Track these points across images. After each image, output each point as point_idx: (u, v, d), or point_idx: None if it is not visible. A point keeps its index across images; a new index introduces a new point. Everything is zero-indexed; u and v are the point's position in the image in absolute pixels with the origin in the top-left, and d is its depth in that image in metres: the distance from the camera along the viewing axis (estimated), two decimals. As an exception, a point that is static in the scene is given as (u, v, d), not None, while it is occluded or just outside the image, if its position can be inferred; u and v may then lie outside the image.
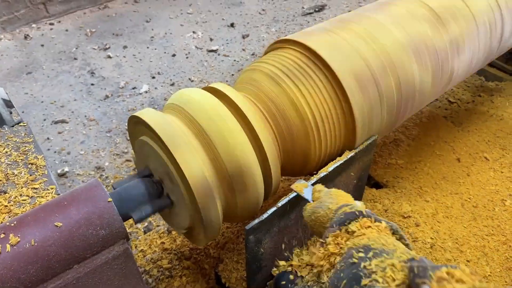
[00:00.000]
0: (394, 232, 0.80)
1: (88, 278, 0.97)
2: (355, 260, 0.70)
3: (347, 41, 1.23)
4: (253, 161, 1.02)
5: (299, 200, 1.06)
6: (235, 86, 1.28)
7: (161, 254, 1.52)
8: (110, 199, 0.96)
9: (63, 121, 2.44)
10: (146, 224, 1.80)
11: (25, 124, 1.20)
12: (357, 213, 0.82)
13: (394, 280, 0.63)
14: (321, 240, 0.84)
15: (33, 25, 3.39)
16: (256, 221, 1.03)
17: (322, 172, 1.15)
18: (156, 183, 1.10)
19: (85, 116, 2.50)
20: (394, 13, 1.39)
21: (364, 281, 0.65)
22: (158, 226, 1.78)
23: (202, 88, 1.14)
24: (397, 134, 2.12)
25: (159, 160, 1.02)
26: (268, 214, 1.05)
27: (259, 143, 1.05)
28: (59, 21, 3.47)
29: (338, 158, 1.20)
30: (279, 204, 1.06)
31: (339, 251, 0.78)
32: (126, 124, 2.39)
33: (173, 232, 1.62)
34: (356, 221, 0.81)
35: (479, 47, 1.54)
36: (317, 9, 3.63)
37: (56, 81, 2.81)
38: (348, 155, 1.19)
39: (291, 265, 1.30)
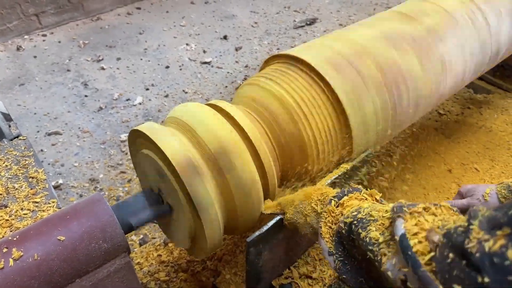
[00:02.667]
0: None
1: (90, 292, 0.97)
2: (351, 220, 0.77)
3: (320, 42, 1.35)
4: (237, 140, 1.04)
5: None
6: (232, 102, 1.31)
7: (158, 266, 1.52)
8: (112, 213, 0.97)
9: (56, 133, 2.44)
10: (141, 236, 1.80)
11: (24, 138, 1.21)
12: (345, 190, 0.90)
13: (384, 224, 0.70)
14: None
15: (26, 37, 3.38)
16: (257, 233, 1.05)
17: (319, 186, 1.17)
18: (155, 194, 1.11)
19: (79, 127, 2.50)
20: (365, 21, 1.53)
21: (363, 233, 0.71)
22: (154, 238, 1.78)
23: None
24: (389, 145, 2.16)
25: (150, 161, 1.03)
26: (268, 226, 1.07)
27: (257, 154, 1.08)
28: (52, 33, 3.47)
29: (334, 171, 1.22)
30: (279, 217, 1.08)
31: (335, 221, 0.85)
32: (120, 136, 2.40)
33: (170, 244, 1.62)
34: (347, 196, 0.88)
35: (465, 37, 1.55)
36: (308, 23, 3.69)
37: (49, 92, 2.80)
38: (345, 167, 1.22)
39: (291, 277, 1.32)
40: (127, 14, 3.81)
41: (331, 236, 0.82)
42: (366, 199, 0.85)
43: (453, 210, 0.64)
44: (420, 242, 0.56)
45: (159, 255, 1.57)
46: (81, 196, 2.04)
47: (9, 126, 1.25)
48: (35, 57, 3.16)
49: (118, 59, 3.16)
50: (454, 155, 2.11)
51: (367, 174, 1.35)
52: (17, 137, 1.22)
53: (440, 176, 1.97)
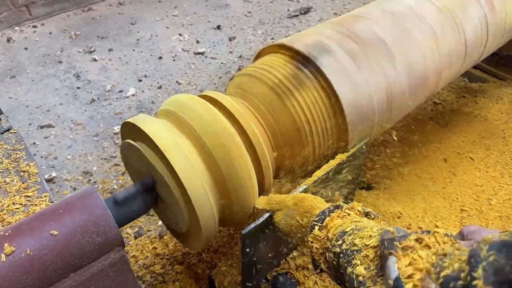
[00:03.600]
0: (366, 215, 0.87)
1: (84, 286, 0.96)
2: (337, 250, 0.75)
3: (314, 29, 1.36)
4: (232, 132, 1.02)
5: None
6: (226, 92, 1.29)
7: (154, 259, 1.51)
8: (105, 206, 0.96)
9: (49, 126, 2.41)
10: (136, 229, 1.79)
11: (15, 131, 1.18)
12: (327, 211, 0.87)
13: (368, 256, 0.67)
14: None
15: (16, 28, 3.33)
16: (253, 225, 1.04)
17: (315, 177, 1.16)
18: (149, 183, 1.08)
19: (72, 120, 2.47)
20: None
21: (349, 269, 0.69)
22: (149, 231, 1.77)
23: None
24: (384, 136, 2.15)
25: (140, 153, 1.01)
26: (263, 218, 1.06)
27: (252, 146, 1.06)
28: (43, 24, 3.41)
29: (330, 162, 1.21)
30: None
31: (323, 246, 0.83)
32: (114, 128, 2.38)
33: (165, 237, 1.61)
34: (329, 216, 0.85)
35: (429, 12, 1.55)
36: (302, 12, 3.65)
37: (41, 85, 2.77)
38: (341, 158, 1.21)
39: (286, 268, 1.31)
40: (118, 4, 3.75)
41: (325, 260, 0.82)
42: (348, 214, 0.84)
43: (448, 236, 0.61)
44: (415, 286, 0.54)
45: (155, 248, 1.56)
46: (74, 189, 2.03)
47: (0, 119, 1.23)
48: (26, 49, 3.12)
49: (110, 50, 3.12)
50: (449, 144, 2.11)
51: (362, 164, 1.34)
52: (8, 130, 1.20)
53: (436, 165, 1.97)
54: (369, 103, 1.22)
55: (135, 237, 1.72)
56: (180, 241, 1.21)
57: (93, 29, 3.38)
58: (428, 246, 0.59)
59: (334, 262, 0.76)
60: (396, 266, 0.58)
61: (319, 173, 1.17)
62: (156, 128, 1.00)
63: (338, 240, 0.76)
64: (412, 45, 1.38)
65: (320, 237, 0.83)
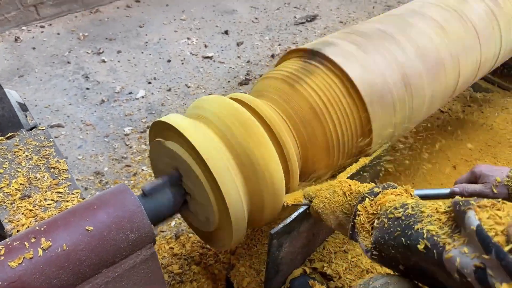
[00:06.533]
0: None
1: (116, 282, 0.97)
2: (399, 214, 0.77)
3: (338, 35, 1.39)
4: (264, 136, 1.05)
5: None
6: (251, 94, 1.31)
7: (171, 259, 1.52)
8: (139, 203, 0.97)
9: (59, 126, 2.41)
10: (149, 229, 1.79)
11: (44, 128, 1.19)
12: (381, 186, 0.90)
13: (440, 220, 0.69)
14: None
15: (24, 28, 3.33)
16: (281, 225, 1.06)
17: (340, 178, 1.18)
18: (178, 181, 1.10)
19: (81, 120, 2.48)
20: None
21: (417, 226, 0.71)
22: (162, 231, 1.77)
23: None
24: (394, 142, 2.18)
25: (173, 153, 1.03)
26: (291, 219, 1.07)
27: (284, 154, 1.08)
28: (50, 24, 3.42)
29: (354, 165, 1.24)
30: (303, 208, 1.09)
31: (374, 217, 0.85)
32: (124, 129, 2.39)
33: (181, 238, 1.62)
34: (382, 191, 0.89)
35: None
36: (309, 19, 3.69)
37: (50, 84, 2.77)
38: (364, 161, 1.23)
39: (305, 270, 1.33)
40: (126, 7, 3.77)
41: (367, 233, 0.83)
42: (402, 194, 0.86)
43: None
44: (497, 234, 0.56)
45: (171, 248, 1.57)
46: (86, 189, 2.03)
47: (26, 116, 1.24)
48: (33, 48, 3.12)
49: (119, 52, 3.13)
50: (457, 152, 2.14)
51: (382, 169, 1.36)
52: (35, 127, 1.20)
53: (445, 172, 2.00)
54: (383, 81, 1.24)
55: (149, 238, 1.72)
56: (206, 241, 1.22)
57: (101, 30, 3.39)
58: (500, 209, 0.61)
59: (386, 226, 0.78)
60: (476, 217, 0.60)
61: (343, 176, 1.18)
62: (186, 125, 1.02)
63: (398, 209, 0.78)
64: (417, 32, 1.43)
65: (369, 209, 0.85)
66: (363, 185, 0.95)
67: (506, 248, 0.54)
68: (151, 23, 3.54)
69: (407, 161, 2.06)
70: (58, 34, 3.31)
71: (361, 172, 1.25)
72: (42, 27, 3.38)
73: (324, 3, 4.04)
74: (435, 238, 0.66)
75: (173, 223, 1.79)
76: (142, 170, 2.14)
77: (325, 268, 1.36)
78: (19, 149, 1.13)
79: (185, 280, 1.45)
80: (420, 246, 0.68)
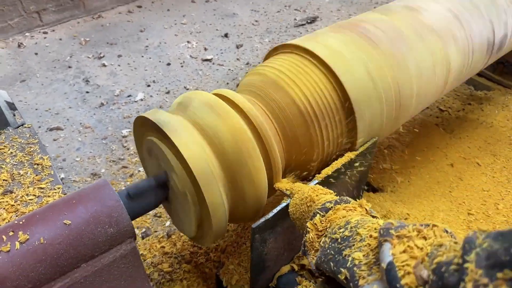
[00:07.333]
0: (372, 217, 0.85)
1: (96, 277, 0.97)
2: (338, 236, 0.75)
3: (323, 32, 1.38)
4: (246, 132, 1.04)
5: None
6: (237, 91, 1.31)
7: (162, 258, 1.52)
8: (118, 198, 0.97)
9: (58, 128, 2.44)
10: (144, 229, 1.79)
11: (29, 126, 1.21)
12: (333, 201, 0.87)
13: (370, 245, 0.66)
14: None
15: (27, 34, 3.38)
16: (263, 219, 1.05)
17: (324, 174, 1.17)
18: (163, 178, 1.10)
19: (80, 123, 2.50)
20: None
21: (346, 251, 0.69)
22: (156, 231, 1.77)
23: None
24: (391, 140, 2.17)
25: (158, 150, 1.03)
26: (273, 213, 1.07)
27: (266, 149, 1.08)
28: (53, 30, 3.47)
29: (339, 160, 1.23)
30: (284, 204, 1.08)
31: (321, 234, 0.82)
32: (122, 131, 2.40)
33: (173, 236, 1.62)
34: (334, 207, 0.85)
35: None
36: (309, 21, 3.69)
37: (51, 89, 2.80)
38: (350, 156, 1.22)
39: (293, 267, 1.31)
40: (127, 12, 3.81)
41: (316, 251, 0.80)
42: (354, 209, 0.83)
43: (447, 232, 0.60)
44: (409, 273, 0.53)
45: (163, 247, 1.57)
46: (83, 190, 2.04)
47: (14, 115, 1.25)
48: (36, 54, 3.16)
49: (119, 56, 3.16)
50: (455, 150, 2.11)
51: (370, 164, 1.35)
52: (22, 125, 1.22)
53: (442, 170, 1.98)
54: (369, 78, 1.24)
55: (143, 237, 1.72)
56: (190, 238, 1.21)
57: (102, 36, 3.43)
58: (425, 238, 0.58)
59: (326, 246, 0.75)
60: (390, 252, 0.57)
61: (328, 171, 1.18)
62: (179, 133, 1.02)
63: (341, 229, 0.75)
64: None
65: (319, 226, 0.83)
66: (324, 198, 0.92)
67: None
68: (152, 27, 3.58)
69: (404, 158, 2.04)
70: (60, 39, 3.36)
71: (347, 168, 1.23)
72: (45, 33, 3.43)
73: (325, 5, 4.04)
74: (355, 269, 0.63)
75: (167, 223, 1.80)
76: (139, 171, 2.15)
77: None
78: (4, 146, 1.14)
79: (175, 279, 1.45)
80: (341, 277, 0.65)
